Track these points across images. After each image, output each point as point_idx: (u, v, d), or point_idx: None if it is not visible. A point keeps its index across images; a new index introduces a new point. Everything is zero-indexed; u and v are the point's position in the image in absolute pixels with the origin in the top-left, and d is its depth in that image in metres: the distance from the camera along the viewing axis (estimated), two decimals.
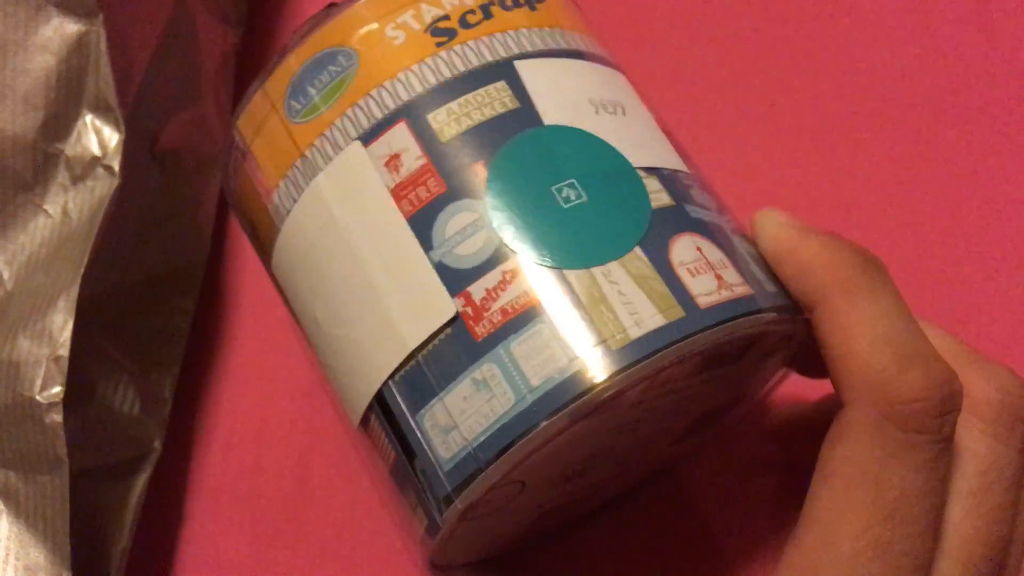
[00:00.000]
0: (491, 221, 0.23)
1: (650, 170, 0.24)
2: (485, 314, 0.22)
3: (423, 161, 0.24)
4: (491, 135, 0.24)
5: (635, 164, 0.24)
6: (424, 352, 0.23)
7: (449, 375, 0.22)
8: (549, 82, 0.25)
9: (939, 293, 0.35)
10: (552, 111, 0.24)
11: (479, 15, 0.25)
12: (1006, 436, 0.22)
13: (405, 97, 0.24)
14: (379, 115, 0.25)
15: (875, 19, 0.40)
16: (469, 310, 0.22)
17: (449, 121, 0.24)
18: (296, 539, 0.33)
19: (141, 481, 0.31)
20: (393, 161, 0.24)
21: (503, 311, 0.22)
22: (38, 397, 0.29)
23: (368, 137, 0.24)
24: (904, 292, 0.35)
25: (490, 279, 0.22)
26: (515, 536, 0.29)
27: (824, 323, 0.22)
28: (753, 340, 0.23)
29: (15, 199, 0.30)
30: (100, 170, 0.30)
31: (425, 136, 0.24)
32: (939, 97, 0.38)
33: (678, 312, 0.22)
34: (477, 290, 0.22)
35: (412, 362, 0.23)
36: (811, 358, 0.24)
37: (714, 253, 0.23)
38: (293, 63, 0.26)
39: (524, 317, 0.22)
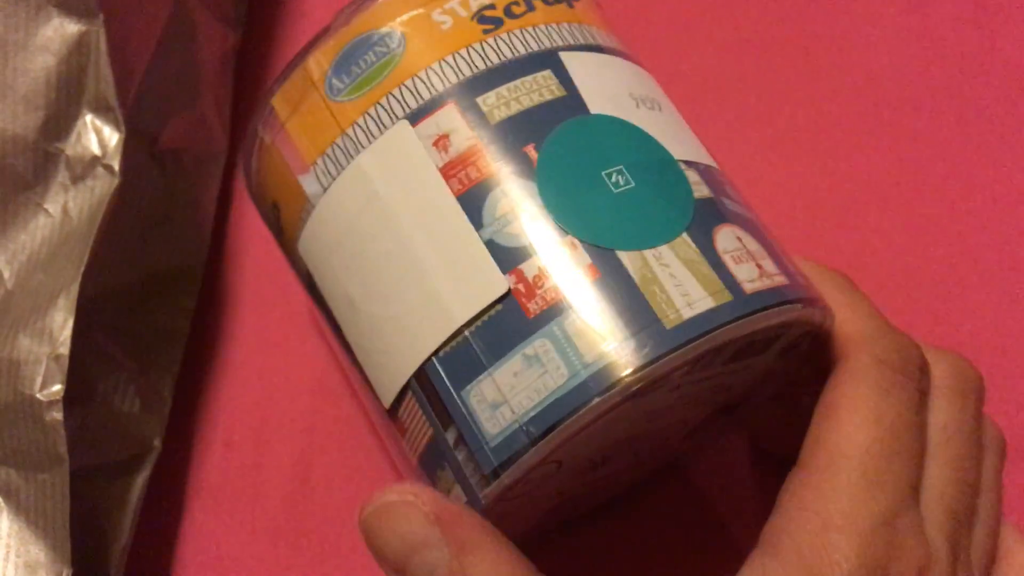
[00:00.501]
0: (543, 202, 0.23)
1: (689, 163, 0.25)
2: (538, 291, 0.22)
3: (473, 142, 0.24)
4: (540, 120, 0.24)
5: (676, 157, 0.25)
6: (472, 328, 0.23)
7: (499, 351, 0.23)
8: (593, 74, 0.25)
9: (935, 292, 0.35)
10: (597, 101, 0.25)
11: (523, 7, 0.26)
12: (961, 403, 0.25)
13: (454, 80, 0.25)
14: (427, 96, 0.25)
15: (873, 19, 0.40)
16: (521, 287, 0.23)
17: (499, 104, 0.25)
18: (296, 537, 0.33)
19: (141, 479, 0.31)
20: (442, 141, 0.24)
21: (555, 289, 0.22)
22: (38, 395, 0.29)
23: (416, 117, 0.25)
24: (900, 291, 0.35)
25: (543, 258, 0.23)
26: (522, 533, 0.29)
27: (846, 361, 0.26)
28: (786, 328, 0.24)
29: (16, 198, 0.31)
30: (100, 169, 0.31)
31: (474, 118, 0.24)
32: (937, 98, 0.38)
33: (726, 296, 0.22)
34: (529, 268, 0.23)
35: (459, 338, 0.23)
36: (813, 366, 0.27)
37: (752, 244, 0.24)
38: (336, 42, 0.26)
39: (578, 295, 0.22)
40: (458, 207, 0.24)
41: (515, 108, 0.24)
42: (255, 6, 0.41)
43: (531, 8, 0.26)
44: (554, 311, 0.22)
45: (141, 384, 0.32)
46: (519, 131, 0.24)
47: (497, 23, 0.26)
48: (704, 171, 0.25)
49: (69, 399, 0.29)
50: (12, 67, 0.30)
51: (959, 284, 0.35)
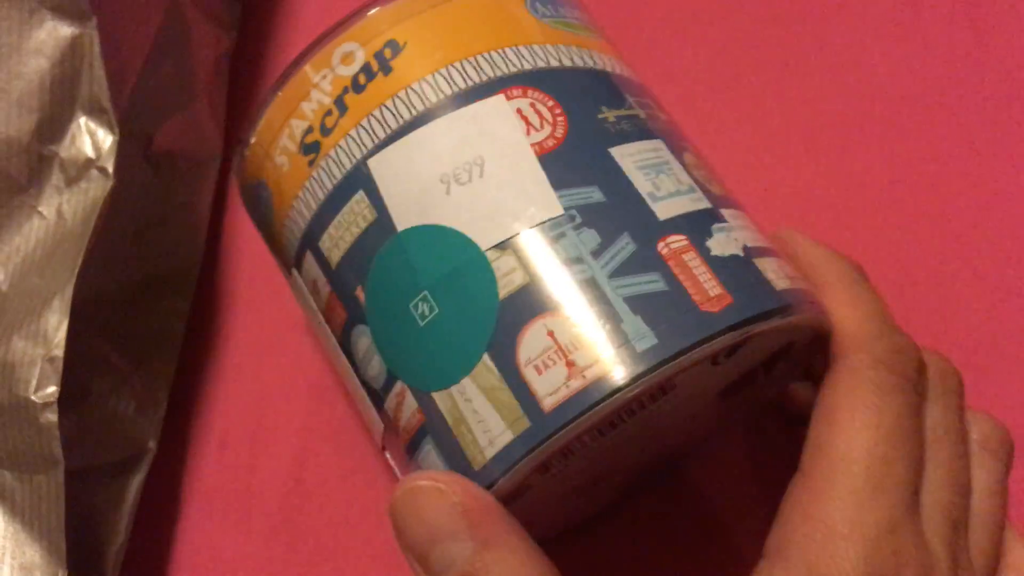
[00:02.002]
0: (376, 346, 0.24)
1: (503, 244, 0.23)
2: (401, 428, 0.24)
3: (327, 288, 0.25)
4: (361, 256, 0.24)
5: (485, 246, 0.23)
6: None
7: (402, 470, 0.25)
8: (400, 175, 0.24)
9: (929, 290, 0.35)
10: (404, 211, 0.24)
11: (335, 114, 0.25)
12: (944, 403, 0.25)
13: (303, 226, 0.26)
14: (295, 245, 0.26)
15: (865, 18, 0.40)
16: (391, 422, 0.24)
17: (331, 247, 0.25)
18: (291, 538, 0.33)
19: (136, 481, 0.31)
20: (314, 288, 0.26)
21: (406, 430, 0.24)
22: (33, 397, 0.29)
23: (295, 266, 0.26)
24: (895, 289, 0.35)
25: (388, 404, 0.24)
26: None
27: (830, 303, 0.26)
28: (629, 415, 0.23)
29: (10, 201, 0.31)
30: (94, 172, 0.31)
31: (322, 264, 0.25)
32: (930, 96, 0.39)
33: (524, 424, 0.21)
34: (388, 408, 0.24)
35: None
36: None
37: (567, 333, 0.22)
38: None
39: (417, 437, 0.23)
40: (338, 348, 0.25)
41: (343, 247, 0.24)
42: (249, 10, 0.41)
43: (343, 110, 0.25)
44: (411, 448, 0.24)
45: (136, 386, 0.32)
46: (349, 272, 0.24)
47: (316, 149, 0.25)
48: (529, 240, 0.23)
49: (64, 401, 0.29)
50: (6, 70, 0.30)
51: (953, 281, 0.36)
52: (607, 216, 0.23)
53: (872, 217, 0.37)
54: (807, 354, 0.26)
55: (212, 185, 0.37)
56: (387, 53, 0.25)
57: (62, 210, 0.31)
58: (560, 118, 0.24)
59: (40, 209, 0.31)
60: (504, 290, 0.22)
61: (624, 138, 0.24)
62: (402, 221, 0.24)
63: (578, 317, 0.22)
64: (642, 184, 0.24)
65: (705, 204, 0.24)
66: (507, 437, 0.22)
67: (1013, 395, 0.34)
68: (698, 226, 0.23)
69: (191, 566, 0.33)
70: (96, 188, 0.31)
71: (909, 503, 0.23)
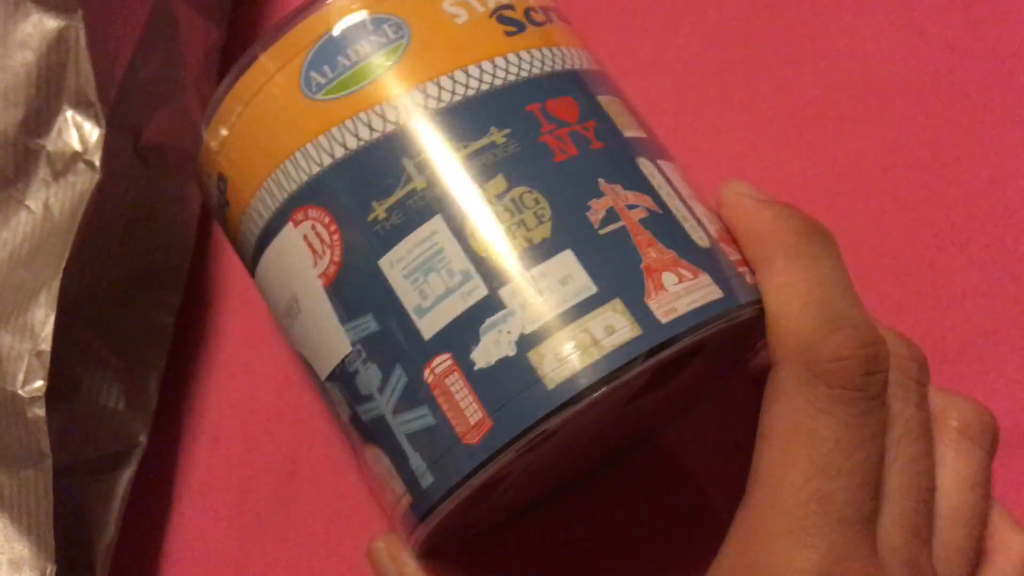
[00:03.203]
0: None
1: (331, 377, 0.24)
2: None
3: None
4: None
5: (323, 377, 0.25)
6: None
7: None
8: (271, 286, 0.26)
9: (922, 278, 0.35)
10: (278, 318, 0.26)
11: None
12: (903, 394, 0.23)
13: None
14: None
15: (860, 7, 0.40)
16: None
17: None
18: (283, 532, 0.33)
19: (126, 475, 0.31)
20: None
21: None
22: (20, 391, 0.29)
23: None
24: (887, 277, 0.35)
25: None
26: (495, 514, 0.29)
27: (763, 284, 0.23)
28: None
29: None
30: (81, 165, 0.31)
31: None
32: (922, 83, 0.38)
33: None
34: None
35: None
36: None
37: (380, 460, 0.24)
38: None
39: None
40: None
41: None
42: (239, 2, 0.41)
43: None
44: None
45: (126, 380, 0.32)
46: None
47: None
48: (336, 376, 0.24)
49: (53, 395, 0.29)
50: None
51: (947, 268, 0.35)
52: (382, 346, 0.23)
53: (866, 204, 0.36)
54: (745, 330, 0.25)
55: None
56: (221, 186, 0.26)
57: (49, 204, 0.30)
58: (335, 236, 0.24)
59: (27, 203, 0.31)
60: (340, 418, 0.25)
61: (395, 237, 0.23)
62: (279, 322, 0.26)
63: (380, 454, 0.23)
64: (409, 297, 0.22)
65: (479, 293, 0.22)
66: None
67: (1007, 381, 0.34)
68: (464, 335, 0.22)
69: (182, 559, 0.33)
70: (83, 182, 0.30)
71: (852, 536, 0.21)
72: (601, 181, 0.23)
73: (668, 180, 0.24)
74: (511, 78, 0.24)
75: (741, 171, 0.37)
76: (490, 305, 0.22)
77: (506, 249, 0.22)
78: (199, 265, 0.37)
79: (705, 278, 0.22)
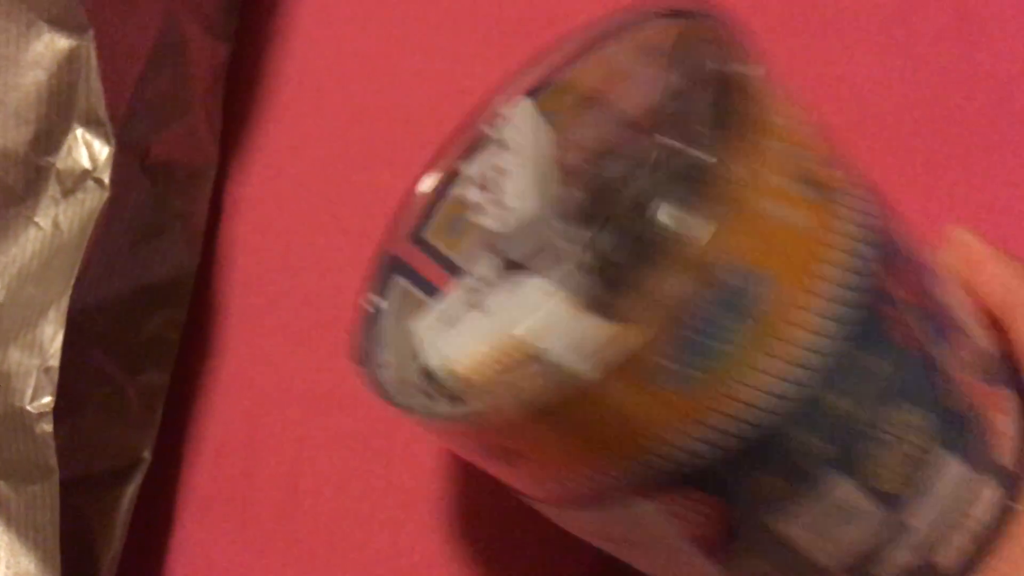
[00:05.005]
0: None
1: None
2: None
3: None
4: None
5: None
6: None
7: None
8: None
9: None
10: None
11: None
12: None
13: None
14: None
15: (856, 32, 0.40)
16: None
17: None
18: (286, 547, 0.33)
19: (131, 490, 0.31)
20: None
21: None
22: (28, 407, 0.29)
23: None
24: None
25: None
26: None
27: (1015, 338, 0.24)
28: None
29: (6, 212, 0.31)
30: (90, 183, 0.31)
31: None
32: (920, 110, 0.39)
33: None
34: None
35: None
36: None
37: None
38: None
39: None
40: None
41: None
42: (246, 20, 0.41)
43: None
44: None
45: (131, 395, 0.32)
46: None
47: None
48: None
49: (59, 411, 0.29)
50: (3, 82, 0.30)
51: None
52: None
53: None
54: None
55: (208, 195, 0.37)
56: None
57: (58, 221, 0.31)
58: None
59: (36, 220, 0.31)
60: None
61: None
62: None
63: None
64: None
65: None
66: None
67: None
68: None
69: (186, 574, 0.33)
70: (92, 199, 0.31)
71: None
72: None
73: None
74: None
75: None
76: None
77: None
78: (205, 281, 0.37)
79: None
